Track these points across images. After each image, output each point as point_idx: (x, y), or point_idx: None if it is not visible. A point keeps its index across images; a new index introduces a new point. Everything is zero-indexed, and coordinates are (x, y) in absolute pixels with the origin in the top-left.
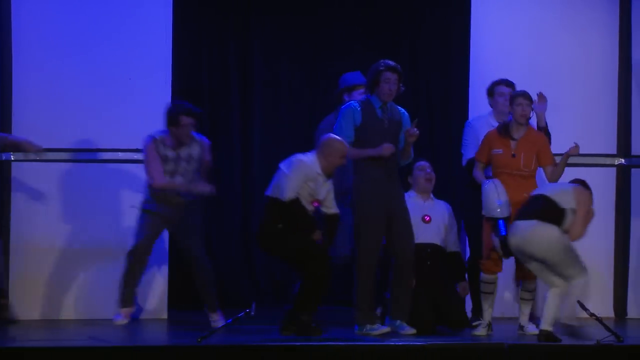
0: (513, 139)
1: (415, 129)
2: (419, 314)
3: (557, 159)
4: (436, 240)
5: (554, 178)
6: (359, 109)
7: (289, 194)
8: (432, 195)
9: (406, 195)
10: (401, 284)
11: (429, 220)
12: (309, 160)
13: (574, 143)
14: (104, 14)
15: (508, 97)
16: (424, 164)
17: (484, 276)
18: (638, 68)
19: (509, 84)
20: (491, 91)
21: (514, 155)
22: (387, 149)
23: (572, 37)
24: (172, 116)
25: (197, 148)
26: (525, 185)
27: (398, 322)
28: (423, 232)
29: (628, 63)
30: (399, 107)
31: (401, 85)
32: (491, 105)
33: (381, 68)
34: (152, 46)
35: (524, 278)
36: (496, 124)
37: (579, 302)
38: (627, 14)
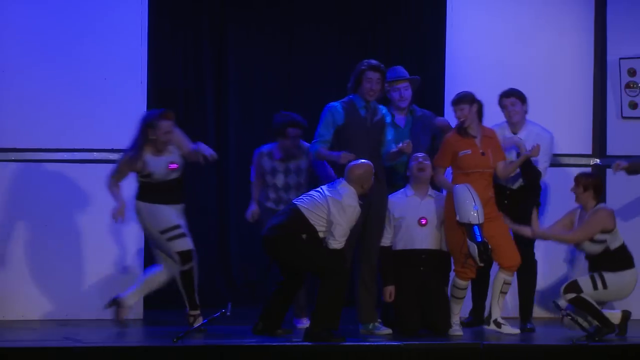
0: (475, 138)
1: (409, 145)
2: (406, 318)
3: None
4: (432, 244)
5: (505, 174)
6: (340, 109)
7: (341, 243)
8: (431, 191)
9: (403, 194)
10: (367, 288)
11: (425, 223)
12: (355, 202)
13: (536, 144)
14: (79, 14)
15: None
16: (418, 154)
17: (458, 282)
18: (613, 68)
19: (508, 94)
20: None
21: (483, 154)
22: (344, 157)
23: (547, 36)
24: (279, 128)
25: (305, 160)
26: (489, 183)
27: (371, 325)
28: (419, 237)
29: (603, 63)
30: (380, 106)
31: (386, 85)
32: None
33: (364, 67)
34: (127, 46)
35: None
36: (509, 134)
37: (554, 302)
38: (602, 14)
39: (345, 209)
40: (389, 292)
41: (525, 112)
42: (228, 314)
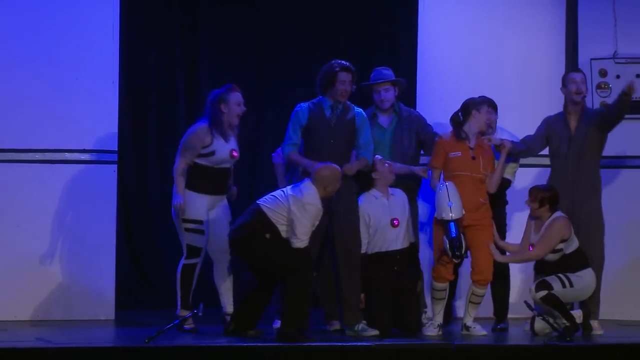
0: (470, 142)
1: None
2: (378, 318)
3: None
4: (404, 243)
5: (493, 183)
6: (306, 109)
7: (304, 242)
8: (391, 190)
9: (371, 196)
10: (352, 291)
11: (398, 224)
12: (316, 200)
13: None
14: (50, 14)
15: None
16: (381, 157)
17: (436, 284)
18: (584, 69)
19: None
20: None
21: (474, 158)
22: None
23: (519, 36)
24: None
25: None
26: (481, 190)
27: (356, 326)
28: (392, 238)
29: (574, 64)
30: (355, 107)
31: (353, 85)
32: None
33: (336, 69)
34: (99, 46)
35: (476, 281)
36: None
37: (525, 302)
38: (573, 14)
39: (306, 207)
40: (362, 299)
41: (495, 120)
42: (200, 314)
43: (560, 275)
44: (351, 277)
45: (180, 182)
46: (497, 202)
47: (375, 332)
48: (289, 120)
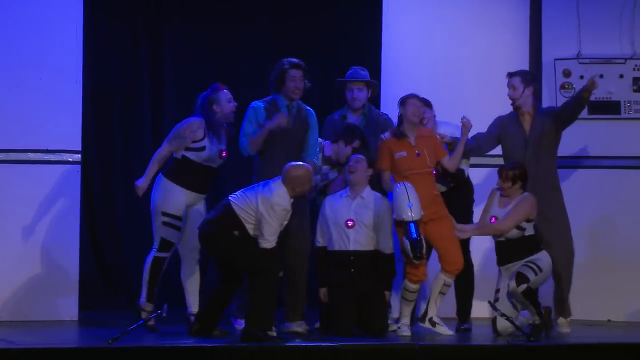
0: (410, 139)
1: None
2: (340, 318)
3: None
4: (363, 246)
5: (453, 165)
6: (263, 108)
7: (271, 242)
8: (364, 192)
9: (340, 195)
10: (296, 288)
11: (352, 225)
12: (284, 201)
13: (464, 118)
14: (13, 13)
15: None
16: (360, 157)
17: (408, 284)
18: (548, 69)
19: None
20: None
21: (418, 155)
22: (281, 120)
23: (483, 36)
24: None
25: None
26: (432, 183)
27: (295, 323)
28: (348, 238)
29: (538, 64)
30: (306, 106)
31: (306, 81)
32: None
33: (286, 66)
34: (62, 46)
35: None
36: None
37: (489, 302)
38: (537, 14)
39: (274, 207)
40: (323, 293)
41: (434, 115)
42: (164, 314)
43: (527, 263)
44: (296, 276)
45: (153, 167)
46: (457, 194)
47: (306, 327)
48: None
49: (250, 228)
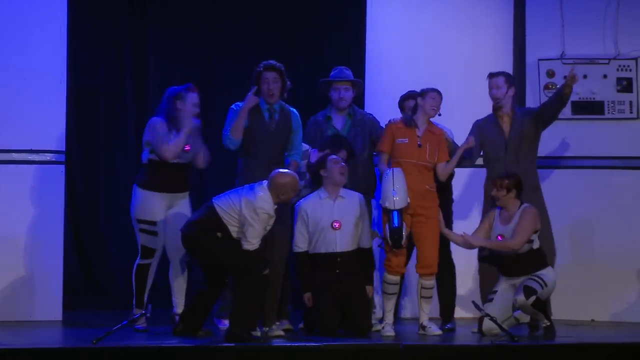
0: (418, 130)
1: None
2: (325, 319)
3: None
4: (348, 246)
5: (444, 173)
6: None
7: (254, 245)
8: (342, 192)
9: (316, 196)
10: (272, 293)
11: (339, 226)
12: (268, 206)
13: (470, 138)
14: None
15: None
16: (338, 157)
17: (387, 276)
18: (532, 69)
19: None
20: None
21: (419, 145)
22: (252, 99)
23: (467, 36)
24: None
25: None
26: (427, 177)
27: (272, 326)
28: (333, 240)
29: (522, 64)
30: (290, 107)
31: (287, 82)
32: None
33: (260, 69)
34: (46, 46)
35: (422, 274)
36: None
37: (473, 302)
38: (521, 15)
39: (257, 211)
40: (307, 298)
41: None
42: (148, 315)
43: (533, 277)
44: (272, 282)
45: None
46: (442, 197)
47: (280, 332)
48: None
49: (233, 231)
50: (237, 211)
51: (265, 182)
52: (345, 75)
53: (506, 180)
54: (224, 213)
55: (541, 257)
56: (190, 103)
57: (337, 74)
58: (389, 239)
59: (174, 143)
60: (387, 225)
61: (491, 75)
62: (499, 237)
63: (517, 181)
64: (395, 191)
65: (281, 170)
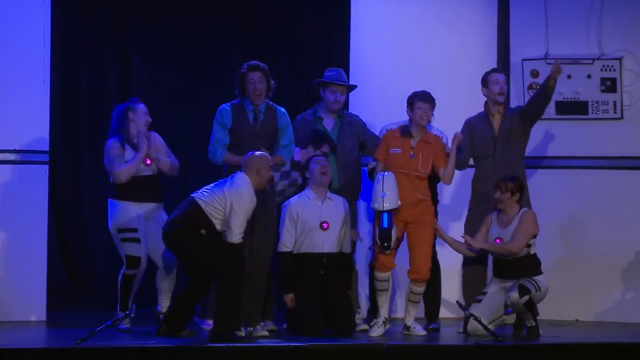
0: (413, 140)
1: None
2: (308, 319)
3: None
4: (333, 248)
5: (447, 176)
6: (229, 112)
7: (239, 236)
8: (329, 194)
9: (304, 197)
10: (256, 294)
11: (327, 227)
12: (249, 190)
13: (457, 134)
14: None
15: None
16: (320, 158)
17: (378, 274)
18: (516, 69)
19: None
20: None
21: (412, 156)
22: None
23: (451, 37)
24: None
25: None
26: (420, 187)
27: (256, 326)
28: (320, 241)
29: (506, 64)
30: (277, 106)
31: (272, 81)
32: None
33: (244, 70)
34: (30, 46)
35: (413, 279)
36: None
37: (457, 302)
38: (505, 15)
39: (242, 196)
40: (290, 299)
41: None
42: (132, 315)
43: (527, 279)
44: (257, 282)
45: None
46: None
47: (265, 333)
48: None
49: (217, 223)
50: (220, 201)
51: (240, 172)
52: (344, 79)
53: (511, 184)
54: (207, 206)
55: (536, 263)
56: (141, 112)
57: (336, 76)
58: (378, 240)
59: (125, 167)
60: (377, 228)
61: (495, 71)
62: (497, 240)
63: (520, 185)
64: (384, 193)
65: (249, 153)
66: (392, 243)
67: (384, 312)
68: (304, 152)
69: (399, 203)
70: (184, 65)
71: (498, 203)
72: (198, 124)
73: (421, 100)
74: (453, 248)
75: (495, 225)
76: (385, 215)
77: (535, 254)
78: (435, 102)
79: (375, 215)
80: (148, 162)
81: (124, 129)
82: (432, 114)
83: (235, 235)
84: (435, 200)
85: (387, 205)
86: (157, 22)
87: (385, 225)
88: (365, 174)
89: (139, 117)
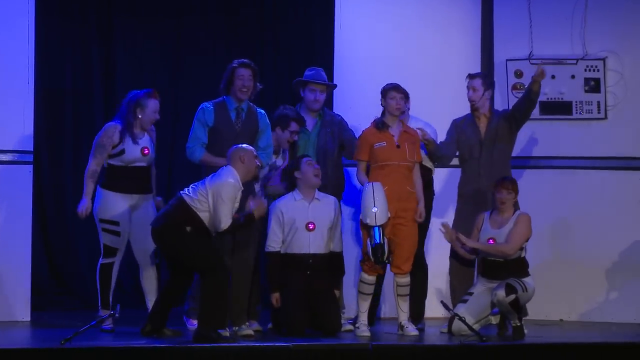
0: (393, 131)
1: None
2: (293, 319)
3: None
4: (320, 249)
5: (418, 173)
6: (212, 110)
7: (227, 221)
8: (317, 194)
9: (291, 198)
10: (240, 293)
11: (313, 228)
12: (234, 178)
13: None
14: None
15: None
16: (310, 159)
17: (365, 277)
18: (500, 70)
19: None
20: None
21: (398, 146)
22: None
23: (435, 37)
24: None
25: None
26: (409, 178)
27: (241, 326)
28: (306, 241)
29: (490, 64)
30: (257, 108)
31: (258, 83)
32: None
33: (234, 65)
34: (13, 46)
35: (395, 273)
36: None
37: (442, 302)
38: (489, 15)
39: (225, 183)
40: (275, 298)
41: (408, 109)
42: (117, 315)
43: (515, 279)
44: (241, 282)
45: (89, 185)
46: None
47: (250, 332)
48: None
49: (204, 217)
50: (205, 193)
51: (225, 165)
52: (323, 78)
53: (511, 184)
54: (192, 200)
55: (524, 267)
56: (151, 110)
57: (315, 75)
58: (370, 255)
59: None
60: (368, 241)
61: (471, 77)
62: (490, 241)
63: (517, 186)
64: (376, 207)
65: (235, 146)
66: (386, 257)
67: (364, 318)
68: (272, 134)
69: (389, 215)
70: (167, 63)
71: (502, 204)
72: (181, 124)
73: (392, 90)
74: (453, 246)
75: (488, 225)
76: (377, 229)
77: (524, 258)
78: (409, 94)
79: (363, 228)
80: (146, 151)
81: (128, 123)
82: (407, 106)
83: (223, 222)
84: (431, 194)
85: (379, 219)
86: (141, 19)
87: (378, 241)
88: (347, 173)
89: (147, 115)
